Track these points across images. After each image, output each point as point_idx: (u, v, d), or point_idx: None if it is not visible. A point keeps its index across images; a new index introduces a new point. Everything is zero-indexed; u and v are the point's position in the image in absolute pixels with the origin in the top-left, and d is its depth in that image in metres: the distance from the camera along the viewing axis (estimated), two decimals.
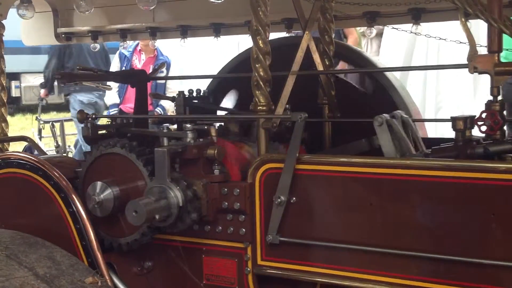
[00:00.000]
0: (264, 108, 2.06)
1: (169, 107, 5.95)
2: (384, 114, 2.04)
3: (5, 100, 3.05)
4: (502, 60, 1.86)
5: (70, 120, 7.28)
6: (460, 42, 2.53)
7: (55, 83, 7.83)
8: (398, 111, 2.11)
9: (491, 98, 1.87)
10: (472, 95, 6.48)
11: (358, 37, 6.37)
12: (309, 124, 2.32)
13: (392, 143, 2.01)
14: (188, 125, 2.06)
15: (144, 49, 6.48)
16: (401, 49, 6.72)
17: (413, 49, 6.77)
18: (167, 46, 6.56)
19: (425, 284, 1.79)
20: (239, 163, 2.16)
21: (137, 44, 6.50)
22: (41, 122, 7.43)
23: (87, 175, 2.21)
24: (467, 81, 6.44)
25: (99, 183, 2.09)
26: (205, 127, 2.08)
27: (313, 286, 2.06)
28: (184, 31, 3.28)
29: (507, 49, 3.07)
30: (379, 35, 7.02)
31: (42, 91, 7.87)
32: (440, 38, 2.72)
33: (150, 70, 6.32)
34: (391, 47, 6.75)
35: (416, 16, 2.70)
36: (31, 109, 12.40)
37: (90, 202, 2.10)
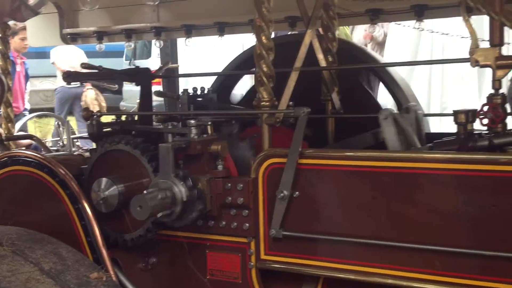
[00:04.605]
0: (267, 103, 2.07)
1: None
2: (389, 108, 2.05)
3: (11, 101, 3.08)
4: None
5: None
6: (463, 37, 2.54)
7: None
8: (413, 103, 2.11)
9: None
10: (477, 96, 6.47)
11: (345, 37, 6.31)
12: (313, 121, 2.34)
13: (397, 137, 2.02)
14: (192, 121, 2.08)
15: (17, 55, 6.81)
16: (405, 50, 6.72)
17: (418, 50, 6.77)
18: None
19: (429, 277, 1.79)
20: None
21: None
22: None
23: (92, 172, 2.23)
24: (472, 82, 6.43)
25: (104, 180, 2.11)
26: (209, 123, 2.10)
27: (317, 280, 2.06)
28: (189, 31, 3.30)
29: None
30: (382, 43, 7.03)
31: None
32: (442, 33, 2.74)
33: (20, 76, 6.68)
34: (395, 48, 6.75)
35: (419, 13, 2.71)
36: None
37: (95, 198, 2.12)
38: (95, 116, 2.30)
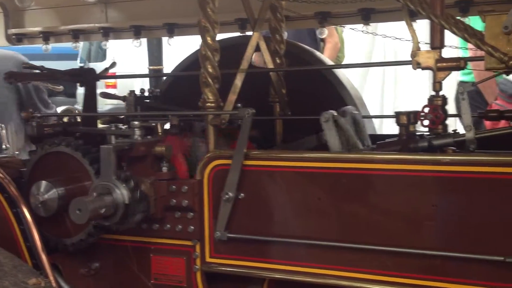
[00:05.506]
0: (213, 104, 2.05)
1: None
2: (331, 111, 2.06)
3: None
4: None
5: None
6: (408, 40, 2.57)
7: None
8: (349, 106, 2.13)
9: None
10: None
11: (340, 42, 6.36)
12: (262, 123, 2.33)
13: (338, 139, 2.02)
14: (136, 122, 2.04)
15: None
16: (359, 54, 6.82)
17: (371, 53, 6.87)
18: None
19: (373, 277, 1.80)
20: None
21: None
22: None
23: (32, 175, 2.16)
24: (424, 86, 6.57)
25: (43, 182, 2.05)
26: (153, 124, 2.06)
27: (263, 282, 2.05)
28: (138, 31, 3.25)
29: (463, 48, 3.14)
30: None
31: None
32: (385, 36, 2.78)
33: None
34: (349, 52, 6.84)
35: (366, 16, 2.74)
36: None
37: (34, 202, 2.06)
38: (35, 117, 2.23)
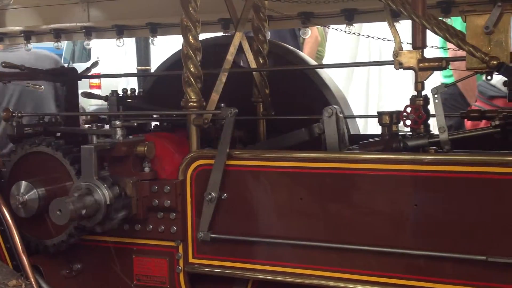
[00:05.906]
0: (195, 104, 2.04)
1: None
2: (334, 106, 2.06)
3: None
4: None
5: None
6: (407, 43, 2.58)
7: None
8: (335, 106, 2.12)
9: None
10: None
11: (319, 36, 6.38)
12: (247, 123, 2.32)
13: (337, 135, 2.02)
14: (117, 122, 2.02)
15: None
16: (344, 54, 6.83)
17: (356, 53, 6.89)
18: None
19: (357, 277, 1.80)
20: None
21: None
22: None
23: (12, 175, 2.13)
24: (408, 87, 6.60)
25: (23, 183, 2.02)
26: (135, 124, 2.04)
27: (247, 282, 2.04)
28: (120, 31, 3.23)
29: (443, 48, 3.17)
30: None
31: None
32: (368, 36, 2.79)
33: None
34: (333, 51, 6.85)
35: (349, 17, 2.75)
36: None
37: (14, 203, 2.03)
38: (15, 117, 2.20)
